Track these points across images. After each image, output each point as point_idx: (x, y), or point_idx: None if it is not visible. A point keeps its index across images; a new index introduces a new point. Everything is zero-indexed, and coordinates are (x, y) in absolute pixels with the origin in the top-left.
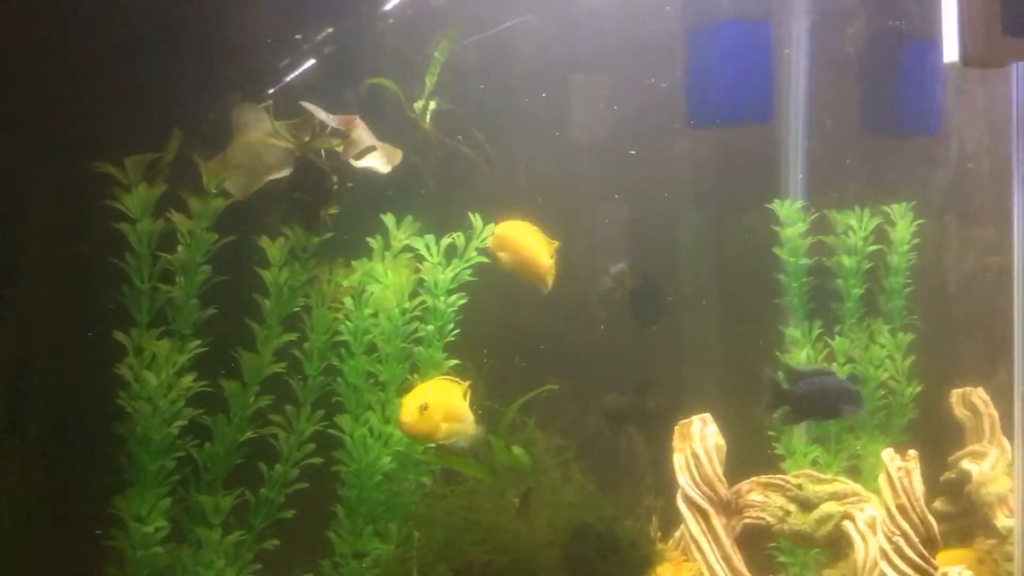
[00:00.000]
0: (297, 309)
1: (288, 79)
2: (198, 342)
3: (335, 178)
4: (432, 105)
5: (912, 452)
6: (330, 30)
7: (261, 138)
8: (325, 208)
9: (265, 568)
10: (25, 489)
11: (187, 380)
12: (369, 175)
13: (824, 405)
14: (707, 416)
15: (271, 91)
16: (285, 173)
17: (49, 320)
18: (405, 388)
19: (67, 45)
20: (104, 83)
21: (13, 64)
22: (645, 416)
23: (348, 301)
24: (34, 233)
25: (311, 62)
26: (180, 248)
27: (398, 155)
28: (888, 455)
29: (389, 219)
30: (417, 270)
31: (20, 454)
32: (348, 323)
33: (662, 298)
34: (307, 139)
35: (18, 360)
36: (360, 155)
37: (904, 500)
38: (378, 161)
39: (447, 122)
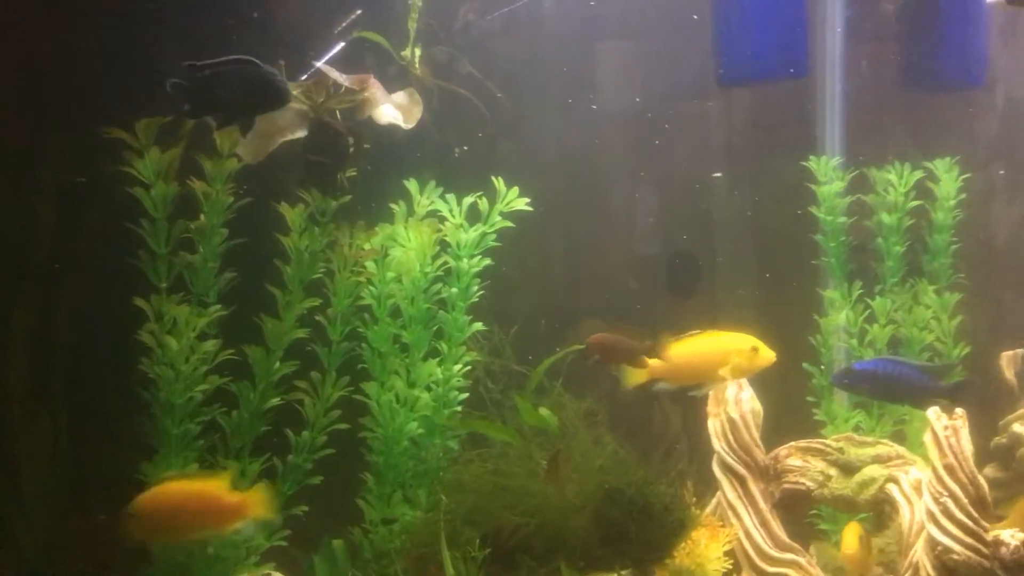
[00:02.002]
0: (319, 275)
1: (303, 41)
2: (218, 306)
3: (351, 139)
4: (418, 51)
5: (959, 411)
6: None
7: None
8: (342, 170)
9: (294, 534)
10: (54, 457)
11: (208, 345)
12: (383, 137)
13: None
14: (743, 380)
15: (284, 53)
16: (298, 135)
17: (71, 288)
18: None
19: (85, 10)
20: (119, 47)
21: (33, 30)
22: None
23: (371, 265)
24: (52, 201)
25: (326, 24)
26: (202, 216)
27: (418, 110)
28: (934, 413)
29: (412, 185)
30: (439, 231)
31: (49, 422)
32: (371, 287)
33: (696, 270)
34: (321, 100)
35: (44, 328)
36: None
37: (951, 459)
38: (399, 117)
39: (442, 67)
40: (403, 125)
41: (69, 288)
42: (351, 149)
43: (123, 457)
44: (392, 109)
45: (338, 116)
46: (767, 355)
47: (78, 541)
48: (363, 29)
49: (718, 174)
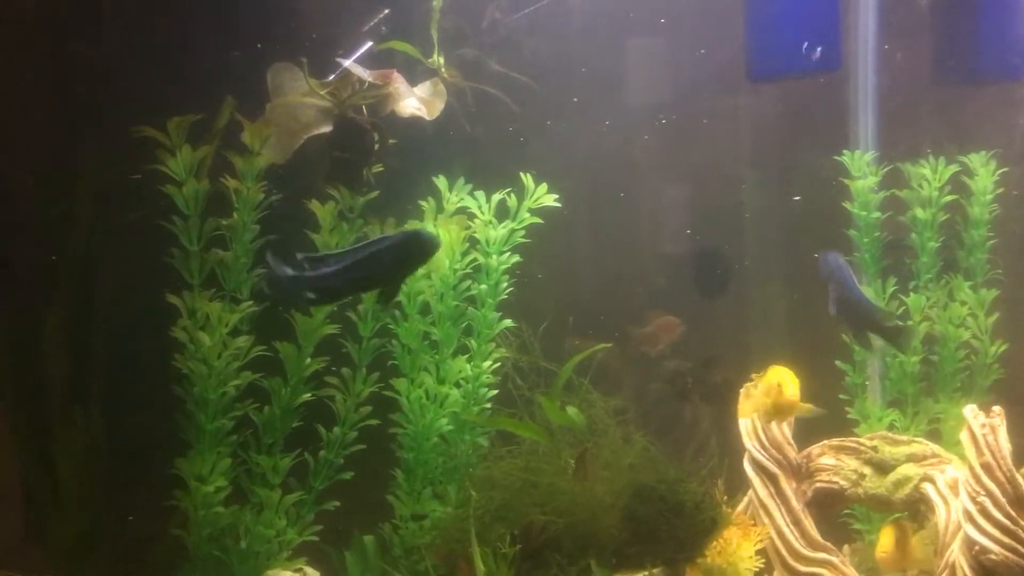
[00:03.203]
0: None
1: (327, 37)
2: (249, 302)
3: (376, 135)
4: (442, 59)
5: (997, 408)
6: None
7: (297, 98)
8: (368, 166)
9: (326, 529)
10: (89, 454)
11: (241, 341)
12: (412, 132)
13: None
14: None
15: (307, 50)
16: (323, 130)
17: (106, 285)
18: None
19: (112, 9)
20: (152, 45)
21: (63, 28)
22: (711, 390)
23: None
24: (88, 199)
25: (354, 23)
26: (235, 213)
27: (440, 102)
28: (971, 411)
29: (442, 182)
30: (468, 227)
31: (84, 419)
32: (401, 284)
33: (726, 267)
34: (345, 96)
35: (79, 326)
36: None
37: (989, 458)
38: (422, 109)
39: (471, 66)
40: (425, 117)
41: (104, 285)
42: (376, 145)
43: (158, 453)
44: (415, 102)
45: (364, 112)
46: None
47: (114, 537)
48: (390, 34)
49: (797, 198)
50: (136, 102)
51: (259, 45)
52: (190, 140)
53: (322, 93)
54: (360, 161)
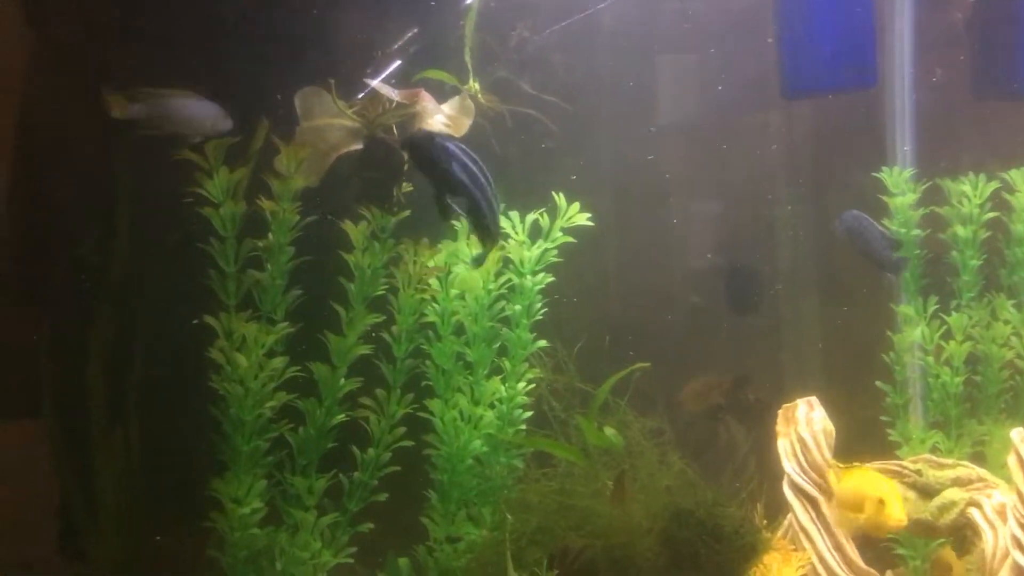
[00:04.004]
0: (382, 292)
1: (359, 60)
2: (286, 324)
3: (405, 154)
4: (477, 84)
5: None
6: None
7: (326, 120)
8: (397, 185)
9: (361, 551)
10: (127, 473)
11: (277, 362)
12: None
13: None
14: (813, 399)
15: (339, 72)
16: (352, 149)
17: (144, 306)
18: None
19: (144, 30)
20: (186, 67)
21: (101, 49)
22: (745, 410)
23: (434, 282)
24: (127, 221)
25: (385, 43)
26: (270, 235)
27: (467, 119)
28: (1018, 434)
29: None
30: (503, 247)
31: (122, 439)
32: (435, 305)
33: (761, 286)
34: (374, 116)
35: (119, 347)
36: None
37: None
38: (450, 127)
39: (508, 92)
40: (453, 134)
41: (142, 306)
42: (405, 164)
43: (194, 474)
44: (443, 119)
45: (394, 131)
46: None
47: (150, 557)
48: (421, 55)
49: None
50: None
51: (291, 68)
52: (226, 162)
53: (350, 113)
54: (389, 180)
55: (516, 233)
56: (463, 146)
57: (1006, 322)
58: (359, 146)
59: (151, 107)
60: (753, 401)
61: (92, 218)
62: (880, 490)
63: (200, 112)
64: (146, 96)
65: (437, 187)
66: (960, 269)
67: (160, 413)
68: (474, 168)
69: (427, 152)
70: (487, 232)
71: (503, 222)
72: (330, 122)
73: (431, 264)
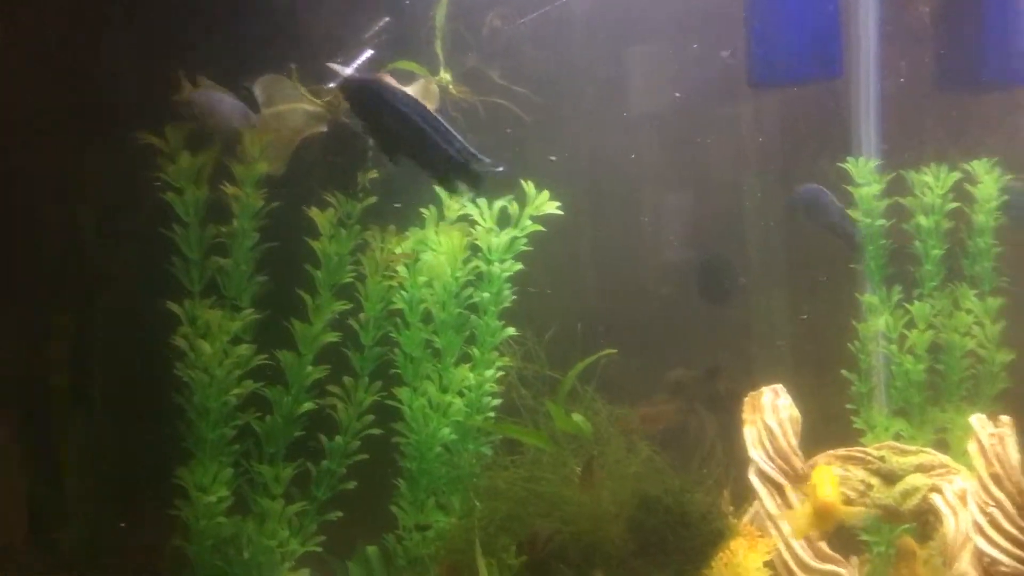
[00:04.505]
0: (350, 279)
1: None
2: (250, 310)
3: (368, 139)
4: (449, 75)
5: (1005, 418)
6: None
7: (287, 106)
8: (361, 171)
9: (329, 540)
10: (93, 462)
11: (242, 349)
12: None
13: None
14: (779, 387)
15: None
16: (314, 133)
17: (109, 294)
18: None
19: (110, 15)
20: (154, 52)
21: (68, 35)
22: (716, 400)
23: (402, 270)
24: (91, 208)
25: (357, 32)
26: (235, 221)
27: (433, 103)
28: (978, 421)
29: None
30: (470, 234)
31: (87, 428)
32: (403, 292)
33: (731, 276)
34: (337, 102)
35: (83, 334)
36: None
37: (998, 468)
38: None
39: (481, 83)
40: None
41: (107, 294)
42: (369, 149)
43: (161, 463)
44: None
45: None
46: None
47: (116, 545)
48: (393, 44)
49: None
50: (138, 109)
51: (259, 54)
52: (191, 148)
53: (311, 98)
54: (354, 165)
55: (484, 220)
56: (407, 93)
57: (968, 311)
58: (322, 129)
59: (206, 99)
60: (724, 392)
61: (54, 207)
62: (817, 476)
63: (234, 110)
64: (205, 87)
65: (379, 134)
66: (923, 259)
67: (126, 402)
68: (417, 110)
69: (362, 95)
70: (458, 166)
71: (471, 208)
72: (291, 107)
73: (398, 251)
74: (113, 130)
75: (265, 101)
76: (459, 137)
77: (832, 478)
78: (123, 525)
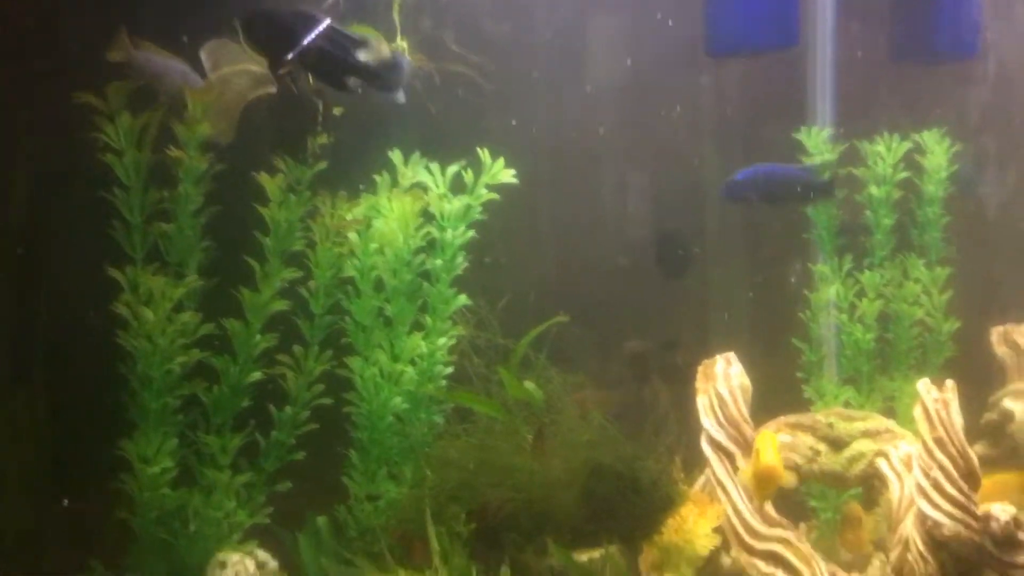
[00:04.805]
0: (300, 247)
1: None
2: (194, 277)
3: (318, 102)
4: (405, 43)
5: (950, 383)
6: None
7: (233, 68)
8: (311, 135)
9: (278, 511)
10: (32, 436)
11: (185, 317)
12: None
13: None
14: (731, 355)
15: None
16: (261, 94)
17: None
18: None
19: None
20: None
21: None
22: (672, 372)
23: (353, 237)
24: (26, 173)
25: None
26: (181, 186)
27: (383, 48)
28: (924, 386)
29: (396, 155)
30: (422, 199)
31: (26, 401)
32: (354, 260)
33: (686, 246)
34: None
35: (21, 303)
36: None
37: (942, 433)
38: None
39: (438, 50)
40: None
41: (45, 262)
42: (319, 113)
43: (104, 435)
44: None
45: (310, 80)
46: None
47: (59, 522)
48: (350, 12)
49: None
50: (77, 70)
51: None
52: (136, 110)
53: (258, 60)
54: (303, 129)
55: (437, 186)
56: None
57: (916, 280)
58: (270, 91)
59: (146, 60)
60: (681, 364)
61: None
62: (760, 442)
63: (175, 69)
64: (147, 48)
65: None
66: (874, 229)
67: (66, 373)
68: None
69: (256, 25)
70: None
71: (425, 176)
72: (237, 69)
73: (349, 217)
74: (52, 89)
75: (212, 66)
76: (355, 38)
77: (774, 443)
78: (76, 502)
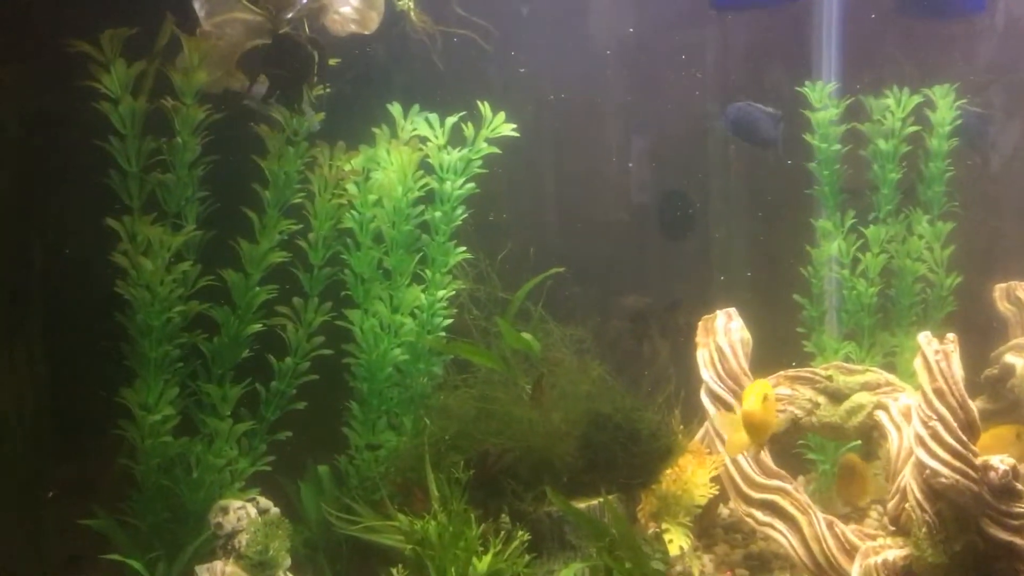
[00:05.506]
0: (299, 199)
1: None
2: (192, 226)
3: (313, 51)
4: (411, 2)
5: (951, 335)
6: None
7: (226, 16)
8: (307, 83)
9: (280, 460)
10: (33, 383)
11: (184, 266)
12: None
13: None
14: (732, 310)
15: None
16: (255, 43)
17: (46, 211)
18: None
19: None
20: None
21: None
22: (675, 332)
23: (352, 188)
24: (20, 122)
25: None
26: (178, 136)
27: (376, 14)
28: (925, 337)
29: (396, 108)
30: (421, 150)
31: (26, 351)
32: (353, 211)
33: (689, 201)
34: (277, 11)
35: (19, 254)
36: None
37: (942, 383)
38: (358, 22)
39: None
40: (363, 31)
41: (44, 211)
42: (315, 62)
43: (104, 382)
44: (349, 11)
45: (306, 29)
46: None
47: (62, 465)
48: None
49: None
50: (70, 20)
51: None
52: (131, 58)
53: (251, 7)
54: (297, 77)
55: (435, 137)
56: None
57: (920, 236)
58: (264, 40)
59: None
60: (683, 324)
61: None
62: (749, 389)
63: None
64: None
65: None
66: (880, 183)
67: (66, 324)
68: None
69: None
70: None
71: (424, 129)
72: (230, 17)
73: (348, 168)
74: (43, 41)
75: (206, 14)
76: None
77: (760, 391)
78: (75, 451)
